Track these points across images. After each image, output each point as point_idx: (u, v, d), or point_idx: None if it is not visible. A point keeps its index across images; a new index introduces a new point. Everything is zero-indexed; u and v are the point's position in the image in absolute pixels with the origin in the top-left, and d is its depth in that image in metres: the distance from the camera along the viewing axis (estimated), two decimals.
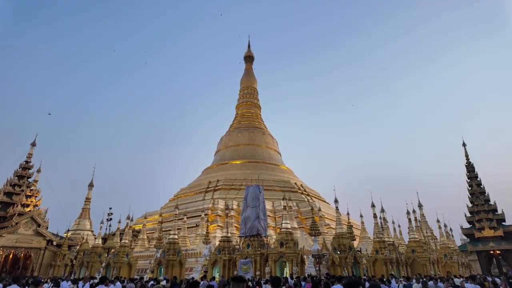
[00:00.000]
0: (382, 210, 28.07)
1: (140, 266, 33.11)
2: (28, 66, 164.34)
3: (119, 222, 34.52)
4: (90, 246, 34.10)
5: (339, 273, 21.56)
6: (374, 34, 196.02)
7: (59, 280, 17.11)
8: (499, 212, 44.19)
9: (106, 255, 31.96)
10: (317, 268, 21.56)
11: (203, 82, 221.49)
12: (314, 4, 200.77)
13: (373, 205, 26.40)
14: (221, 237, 26.16)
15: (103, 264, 28.44)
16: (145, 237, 41.74)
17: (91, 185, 51.39)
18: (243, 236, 24.94)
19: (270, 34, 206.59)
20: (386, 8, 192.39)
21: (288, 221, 23.70)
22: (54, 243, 39.24)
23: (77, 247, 40.28)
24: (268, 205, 39.80)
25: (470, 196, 47.05)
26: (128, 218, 31.25)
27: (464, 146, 50.58)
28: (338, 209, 24.76)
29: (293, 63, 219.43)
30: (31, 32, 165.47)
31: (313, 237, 26.02)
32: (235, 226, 38.10)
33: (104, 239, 38.65)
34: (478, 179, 47.62)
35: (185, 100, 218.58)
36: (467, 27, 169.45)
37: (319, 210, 40.10)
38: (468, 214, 46.16)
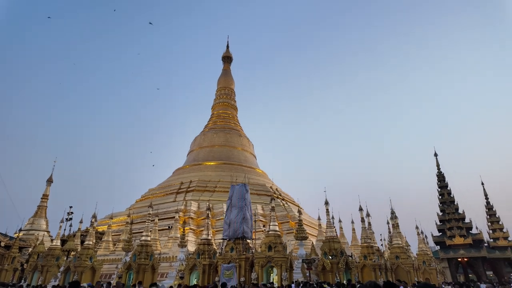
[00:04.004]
0: (368, 215, 27.33)
1: (105, 271, 29.82)
2: None
3: (81, 222, 31.13)
4: (46, 248, 30.19)
5: (330, 279, 20.27)
6: (347, 44, 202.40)
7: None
8: (467, 220, 45.69)
9: (65, 258, 28.39)
10: (307, 274, 20.11)
11: (178, 80, 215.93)
12: (292, 5, 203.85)
13: (361, 209, 25.67)
14: (201, 239, 23.92)
15: (62, 269, 25.08)
16: (110, 239, 38.16)
17: (50, 181, 46.46)
18: (226, 239, 22.92)
19: (248, 36, 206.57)
20: (362, 17, 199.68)
21: (276, 223, 22.10)
22: (2, 244, 34.54)
23: (30, 249, 35.80)
24: None
25: (440, 205, 48.30)
26: (93, 217, 28.09)
27: (436, 156, 52.14)
28: (328, 212, 23.60)
29: (269, 66, 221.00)
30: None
31: (299, 241, 24.58)
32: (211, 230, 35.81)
33: (63, 241, 34.64)
34: (448, 188, 49.09)
35: (157, 96, 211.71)
36: (437, 38, 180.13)
37: (301, 213, 38.88)
38: (439, 222, 47.29)
